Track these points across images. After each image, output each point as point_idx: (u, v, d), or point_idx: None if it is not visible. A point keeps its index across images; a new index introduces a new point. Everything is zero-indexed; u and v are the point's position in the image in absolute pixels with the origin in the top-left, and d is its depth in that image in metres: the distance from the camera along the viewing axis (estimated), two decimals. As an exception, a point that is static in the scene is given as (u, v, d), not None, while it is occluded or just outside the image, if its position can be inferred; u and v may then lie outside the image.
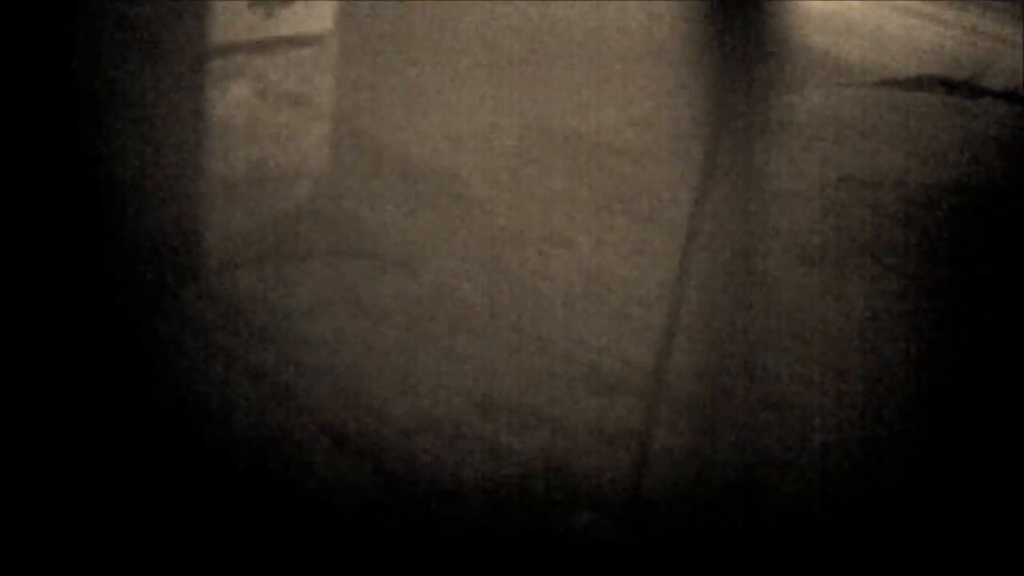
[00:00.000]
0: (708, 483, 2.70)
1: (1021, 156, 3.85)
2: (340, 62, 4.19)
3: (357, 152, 3.75)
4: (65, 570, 2.18)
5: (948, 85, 3.94)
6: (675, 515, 2.62)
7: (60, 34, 4.09)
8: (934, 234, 3.46)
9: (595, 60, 4.29)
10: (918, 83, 3.96)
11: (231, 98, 3.93)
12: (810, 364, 2.89)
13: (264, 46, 4.21)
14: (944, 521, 2.54)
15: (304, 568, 2.38)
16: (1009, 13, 4.25)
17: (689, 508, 2.64)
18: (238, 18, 4.35)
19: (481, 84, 4.01)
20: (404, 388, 2.89)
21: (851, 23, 4.43)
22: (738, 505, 2.62)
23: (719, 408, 2.90)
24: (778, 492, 2.63)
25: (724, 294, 3.23)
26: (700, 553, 2.50)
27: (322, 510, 2.52)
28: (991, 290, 3.24)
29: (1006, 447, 2.73)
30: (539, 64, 4.15)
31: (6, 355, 2.79)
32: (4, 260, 3.09)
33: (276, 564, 2.37)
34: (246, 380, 2.85)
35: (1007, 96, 3.88)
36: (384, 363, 2.97)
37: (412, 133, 3.90)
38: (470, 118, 3.90)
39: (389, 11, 4.53)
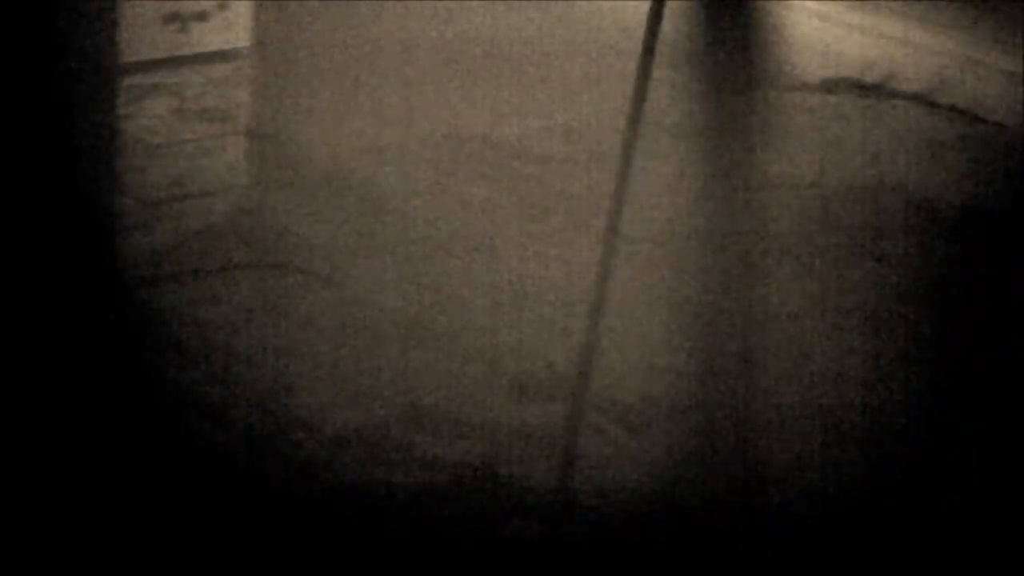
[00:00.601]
0: (635, 486, 2.72)
1: (933, 157, 3.93)
2: (258, 76, 4.17)
3: (277, 165, 3.73)
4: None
5: (860, 88, 4.00)
6: (603, 518, 2.63)
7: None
8: (853, 233, 3.52)
9: (516, 69, 4.31)
10: (831, 86, 4.02)
11: (148, 115, 3.90)
12: (729, 362, 2.92)
13: (180, 62, 4.19)
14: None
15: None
16: (917, 18, 4.34)
17: (616, 511, 2.65)
18: (153, 35, 4.32)
19: (400, 94, 4.01)
20: (331, 400, 2.88)
21: (763, 27, 4.48)
22: (668, 505, 2.63)
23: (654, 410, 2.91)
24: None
25: (649, 297, 3.26)
26: (626, 555, 2.51)
27: (251, 524, 2.50)
28: (911, 286, 3.30)
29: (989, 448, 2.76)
30: (458, 73, 4.16)
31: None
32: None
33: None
34: (170, 397, 2.83)
35: (917, 98, 3.95)
36: (310, 375, 2.96)
37: (332, 145, 3.89)
38: (390, 128, 3.90)
39: (306, 24, 4.51)
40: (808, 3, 4.21)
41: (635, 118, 3.43)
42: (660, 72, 3.44)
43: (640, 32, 3.25)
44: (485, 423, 2.84)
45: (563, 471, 2.65)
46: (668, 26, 3.35)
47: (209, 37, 4.42)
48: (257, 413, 2.82)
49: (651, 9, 3.31)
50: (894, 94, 4.03)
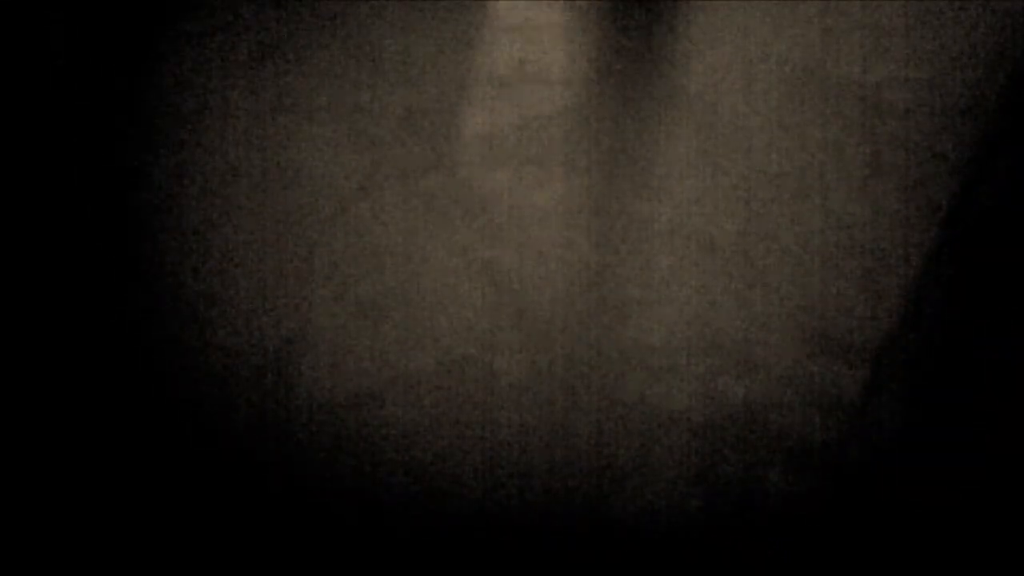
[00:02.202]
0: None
1: None
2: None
3: (626, 62, 3.67)
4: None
5: None
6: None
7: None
8: None
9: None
10: None
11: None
12: None
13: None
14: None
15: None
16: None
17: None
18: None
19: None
20: (635, 313, 2.82)
21: None
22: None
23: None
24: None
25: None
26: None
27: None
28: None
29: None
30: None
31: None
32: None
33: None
34: (474, 272, 2.83)
35: None
36: (598, 283, 2.90)
37: (684, 53, 3.77)
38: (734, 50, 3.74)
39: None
40: None
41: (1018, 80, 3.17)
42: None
43: None
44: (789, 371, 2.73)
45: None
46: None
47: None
48: (556, 321, 2.80)
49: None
50: None
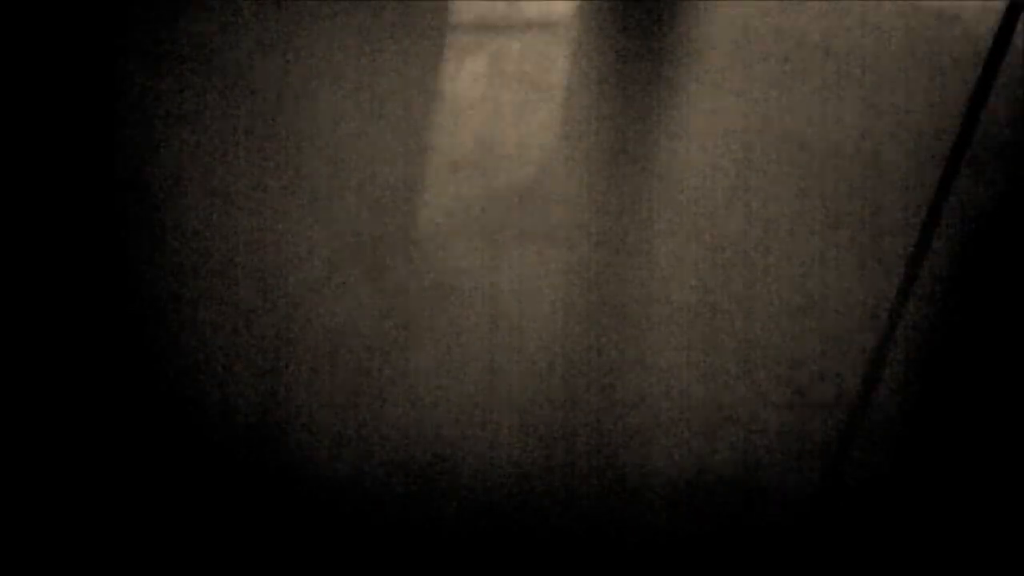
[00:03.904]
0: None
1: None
2: (576, 47, 4.16)
3: (585, 134, 3.72)
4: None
5: None
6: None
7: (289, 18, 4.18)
8: None
9: (838, 67, 4.14)
10: None
11: (467, 74, 3.95)
12: None
13: (503, 28, 4.22)
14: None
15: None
16: None
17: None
18: (481, 2, 4.37)
19: (711, 84, 3.92)
20: (603, 377, 2.83)
21: None
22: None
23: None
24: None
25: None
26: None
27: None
28: None
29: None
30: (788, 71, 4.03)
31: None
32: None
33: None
34: (448, 350, 2.84)
35: None
36: (586, 353, 2.92)
37: (641, 119, 3.83)
38: (696, 115, 3.82)
39: (621, 5, 4.47)
40: None
41: (964, 133, 3.23)
42: (998, 90, 3.23)
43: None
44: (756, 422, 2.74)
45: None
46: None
47: (533, 7, 4.44)
48: (525, 388, 2.80)
49: (1001, 24, 3.11)
50: None
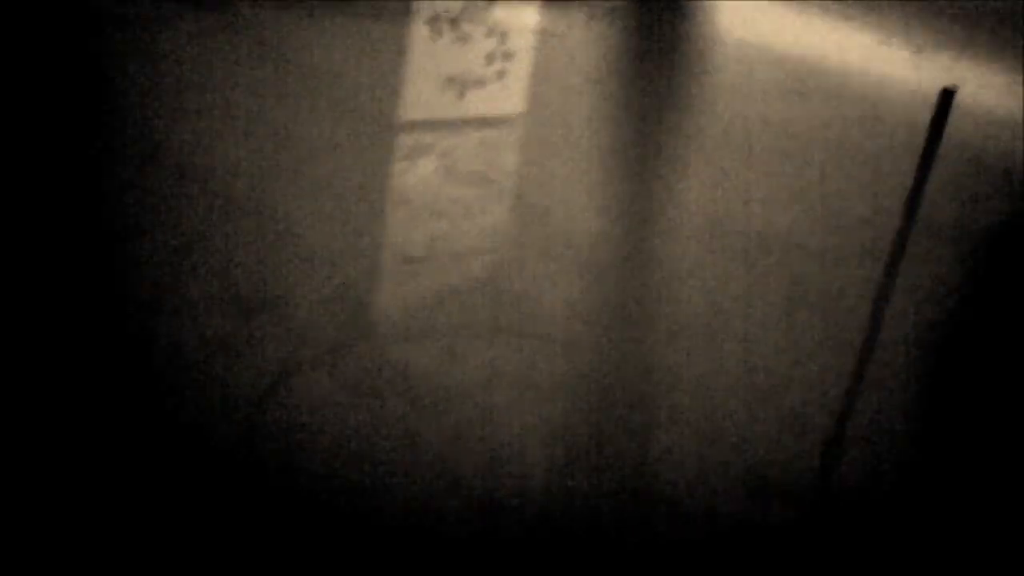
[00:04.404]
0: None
1: None
2: (526, 143, 4.22)
3: (536, 232, 3.75)
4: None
5: None
6: None
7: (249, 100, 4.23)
8: None
9: (793, 158, 4.22)
10: None
11: (418, 173, 3.99)
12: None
13: (454, 125, 4.28)
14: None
15: None
16: None
17: None
18: (432, 98, 4.43)
19: (662, 173, 3.98)
20: (561, 468, 2.84)
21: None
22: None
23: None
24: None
25: (898, 404, 3.11)
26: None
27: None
28: None
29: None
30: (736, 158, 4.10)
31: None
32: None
33: None
34: (403, 445, 2.84)
35: None
36: (550, 441, 2.93)
37: (592, 216, 3.88)
38: (653, 203, 3.87)
39: (575, 96, 4.55)
40: None
41: (908, 217, 3.30)
42: (937, 173, 3.30)
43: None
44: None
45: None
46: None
47: (484, 103, 4.51)
48: (482, 472, 2.80)
49: (936, 110, 3.19)
50: None
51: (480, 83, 4.61)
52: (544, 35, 5.43)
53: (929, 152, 3.24)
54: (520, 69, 4.73)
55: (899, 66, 6.84)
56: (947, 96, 3.28)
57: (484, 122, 4.32)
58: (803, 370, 3.26)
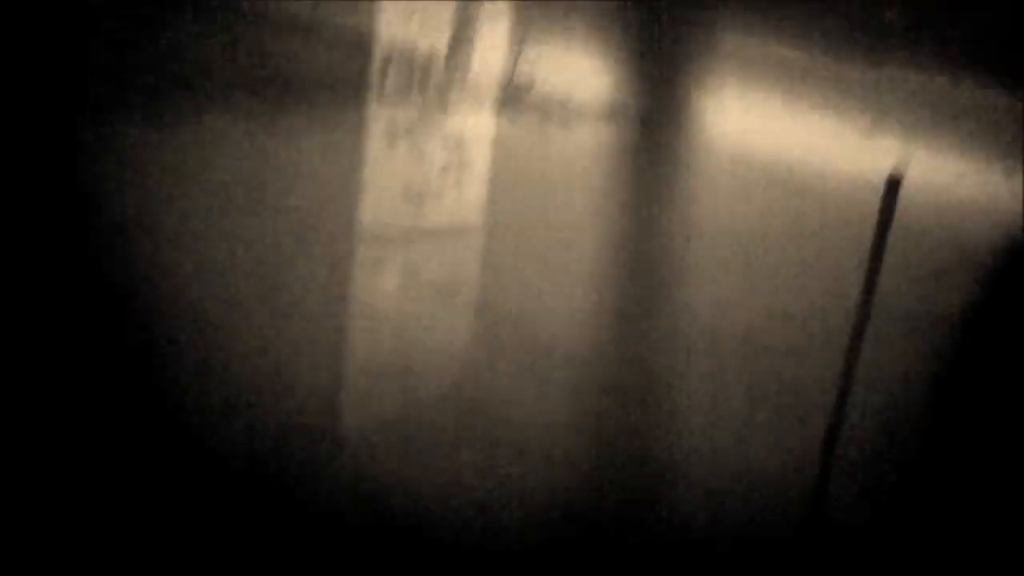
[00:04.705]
0: None
1: None
2: (489, 251, 4.26)
3: (502, 341, 3.78)
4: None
5: None
6: None
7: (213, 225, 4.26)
8: None
9: (740, 253, 4.27)
10: None
11: (380, 286, 4.02)
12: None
13: (413, 236, 4.32)
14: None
15: None
16: None
17: None
18: (390, 208, 4.48)
19: (624, 275, 4.03)
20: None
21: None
22: None
23: None
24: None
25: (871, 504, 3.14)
26: None
27: None
28: None
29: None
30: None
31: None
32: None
33: None
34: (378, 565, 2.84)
35: None
36: (503, 557, 2.93)
37: (557, 322, 3.92)
38: (601, 298, 3.91)
39: (536, 203, 4.61)
40: None
41: (864, 306, 3.35)
42: (891, 258, 3.36)
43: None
44: None
45: None
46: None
47: (444, 213, 4.56)
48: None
49: (884, 197, 3.26)
50: None
51: (438, 193, 4.67)
52: (499, 142, 5.51)
53: (880, 240, 3.30)
54: (478, 177, 4.80)
55: (848, 151, 6.96)
56: (893, 183, 3.36)
57: (444, 231, 4.37)
58: (768, 465, 3.27)
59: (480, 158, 5.08)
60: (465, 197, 4.62)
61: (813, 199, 4.99)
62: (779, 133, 7.15)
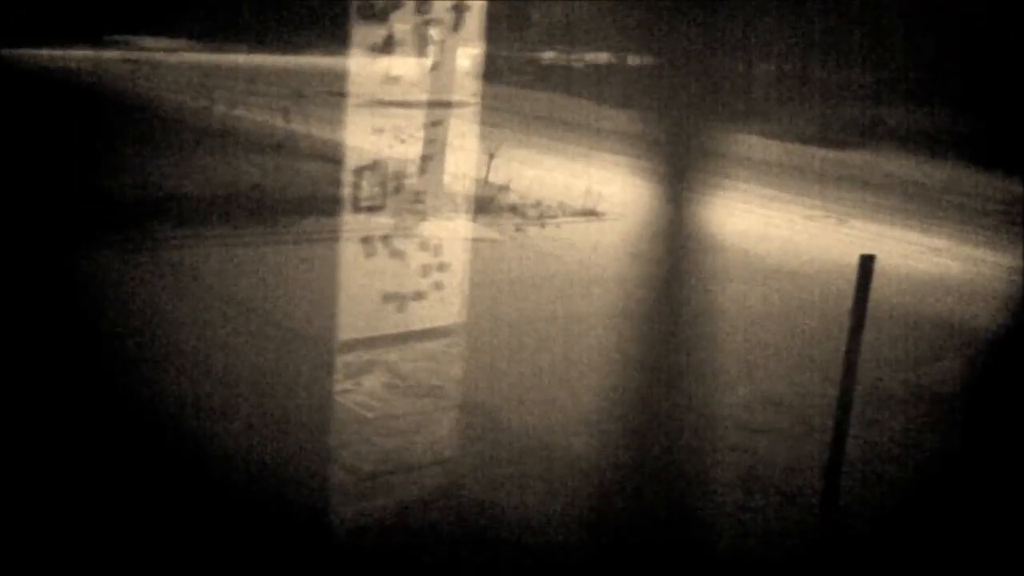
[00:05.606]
0: None
1: None
2: (469, 352, 4.28)
3: (487, 439, 3.78)
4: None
5: None
6: None
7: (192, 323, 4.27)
8: None
9: (728, 336, 4.32)
10: None
11: (364, 390, 4.02)
12: None
13: (396, 339, 4.34)
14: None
15: None
16: None
17: None
18: (372, 313, 4.50)
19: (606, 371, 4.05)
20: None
21: None
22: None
23: None
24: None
25: None
26: None
27: None
28: None
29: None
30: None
31: None
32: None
33: None
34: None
35: None
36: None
37: (541, 417, 3.92)
38: (588, 396, 3.92)
39: (515, 303, 4.64)
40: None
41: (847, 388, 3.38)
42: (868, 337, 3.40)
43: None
44: None
45: None
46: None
47: (424, 315, 4.58)
48: None
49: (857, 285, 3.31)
50: None
51: (418, 296, 4.69)
52: (477, 245, 5.57)
53: (857, 317, 3.33)
54: (457, 280, 4.83)
55: (828, 238, 7.04)
56: (867, 261, 3.40)
57: (426, 334, 4.38)
58: (764, 545, 3.27)
59: (459, 260, 5.12)
60: (446, 299, 4.65)
61: (796, 284, 5.04)
62: (763, 223, 7.25)
